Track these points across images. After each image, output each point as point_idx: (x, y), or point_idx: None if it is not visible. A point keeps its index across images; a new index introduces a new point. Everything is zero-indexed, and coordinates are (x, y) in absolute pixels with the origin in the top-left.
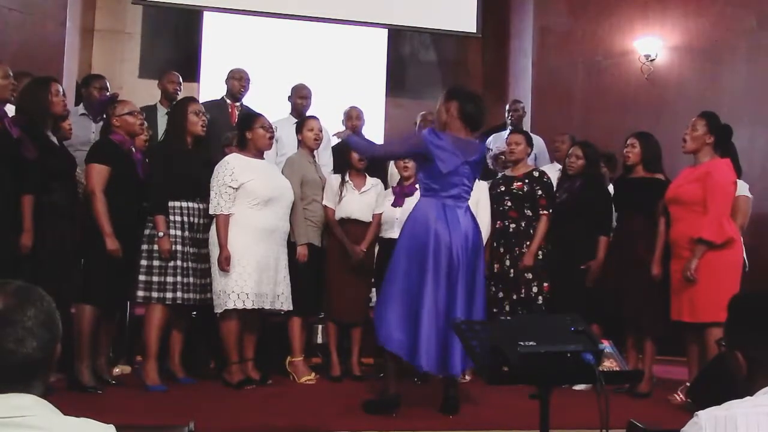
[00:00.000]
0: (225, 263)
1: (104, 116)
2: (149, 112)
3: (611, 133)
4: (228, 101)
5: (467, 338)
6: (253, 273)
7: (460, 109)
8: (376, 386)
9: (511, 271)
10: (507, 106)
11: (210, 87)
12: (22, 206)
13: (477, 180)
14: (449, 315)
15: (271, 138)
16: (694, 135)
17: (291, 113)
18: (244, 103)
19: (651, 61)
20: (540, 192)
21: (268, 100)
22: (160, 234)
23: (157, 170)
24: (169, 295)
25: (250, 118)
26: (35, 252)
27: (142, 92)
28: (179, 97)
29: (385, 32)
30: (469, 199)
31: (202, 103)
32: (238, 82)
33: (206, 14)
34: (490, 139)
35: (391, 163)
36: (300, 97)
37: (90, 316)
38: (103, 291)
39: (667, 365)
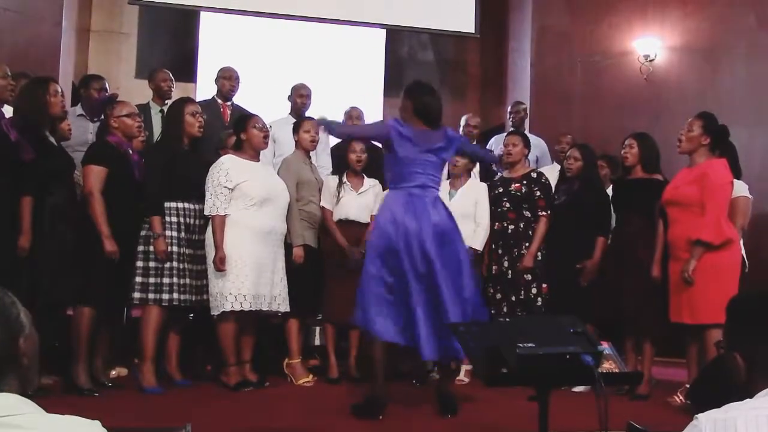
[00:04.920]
0: (220, 264)
1: (101, 117)
2: (142, 110)
3: (610, 134)
4: (219, 101)
5: (465, 339)
6: (250, 274)
7: (413, 106)
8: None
9: (510, 272)
10: (509, 108)
11: (207, 87)
12: (21, 208)
13: (476, 180)
14: (438, 304)
15: (266, 137)
16: (689, 136)
17: (290, 113)
18: (235, 103)
19: (650, 61)
20: (538, 193)
21: (265, 101)
22: (156, 235)
23: (154, 171)
24: (165, 296)
25: (244, 119)
26: (34, 254)
27: (139, 93)
28: (172, 95)
29: (383, 32)
30: (437, 189)
31: None
32: (228, 81)
33: (203, 14)
34: (492, 141)
35: None
36: (300, 96)
37: (88, 318)
38: (101, 293)
39: (667, 367)
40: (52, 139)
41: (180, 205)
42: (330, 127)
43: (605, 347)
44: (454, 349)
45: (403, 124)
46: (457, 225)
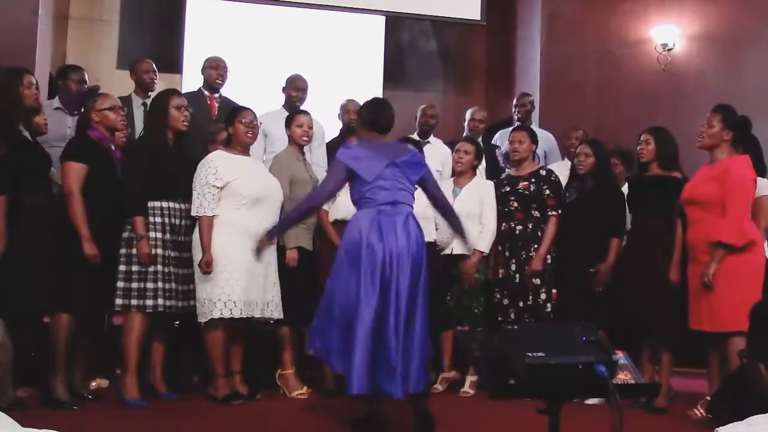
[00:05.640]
0: (205, 267)
1: (81, 110)
2: (123, 103)
3: (625, 128)
4: (206, 93)
5: (470, 348)
6: (240, 279)
7: (362, 118)
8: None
9: (517, 276)
10: (514, 100)
11: (193, 79)
12: None
13: (482, 178)
14: (381, 331)
15: (251, 134)
16: (710, 132)
17: (284, 106)
18: (224, 95)
19: (668, 50)
20: (548, 192)
21: (257, 93)
22: (139, 237)
23: (136, 168)
24: (149, 302)
25: (233, 112)
26: (8, 257)
27: (120, 84)
28: (156, 87)
29: (382, 19)
30: (410, 204)
31: None
32: (215, 71)
33: (189, 0)
34: (497, 136)
35: None
36: (295, 89)
37: (66, 326)
38: (81, 299)
39: (686, 378)
40: (26, 134)
41: (165, 204)
42: (286, 224)
43: (620, 357)
44: (387, 386)
45: (350, 146)
46: (424, 253)
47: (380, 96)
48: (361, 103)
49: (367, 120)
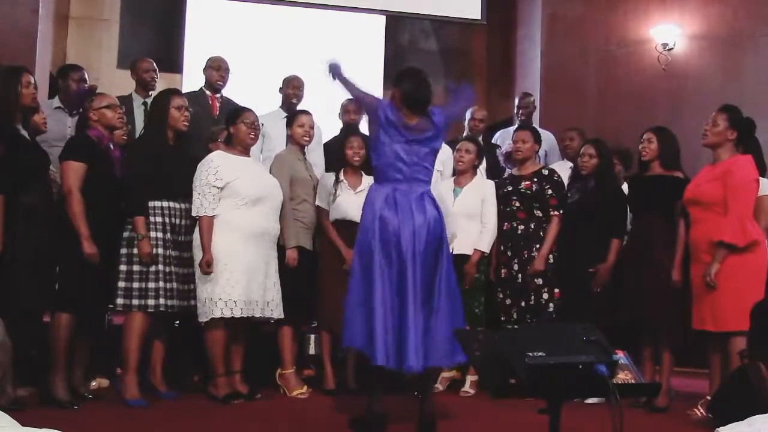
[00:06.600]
0: (205, 267)
1: (81, 110)
2: (124, 102)
3: (626, 128)
4: (207, 93)
5: (470, 348)
6: (241, 279)
7: (401, 93)
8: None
9: (519, 276)
10: (516, 100)
11: (194, 78)
12: None
13: (483, 177)
14: (401, 308)
15: (254, 134)
16: (715, 131)
17: (281, 106)
18: (224, 95)
19: (669, 50)
20: (550, 191)
21: (256, 92)
22: (140, 236)
23: (137, 168)
24: (150, 302)
25: (235, 112)
26: (7, 256)
27: (121, 83)
28: (157, 86)
29: (382, 19)
30: (427, 182)
31: None
32: (216, 71)
33: (190, 0)
34: (498, 135)
35: None
36: (291, 89)
37: (66, 325)
38: (81, 298)
39: (687, 377)
40: (25, 133)
41: (165, 204)
42: (345, 79)
43: (620, 356)
44: (407, 360)
45: (394, 109)
46: (444, 231)
47: (414, 71)
48: (398, 73)
49: (402, 99)
